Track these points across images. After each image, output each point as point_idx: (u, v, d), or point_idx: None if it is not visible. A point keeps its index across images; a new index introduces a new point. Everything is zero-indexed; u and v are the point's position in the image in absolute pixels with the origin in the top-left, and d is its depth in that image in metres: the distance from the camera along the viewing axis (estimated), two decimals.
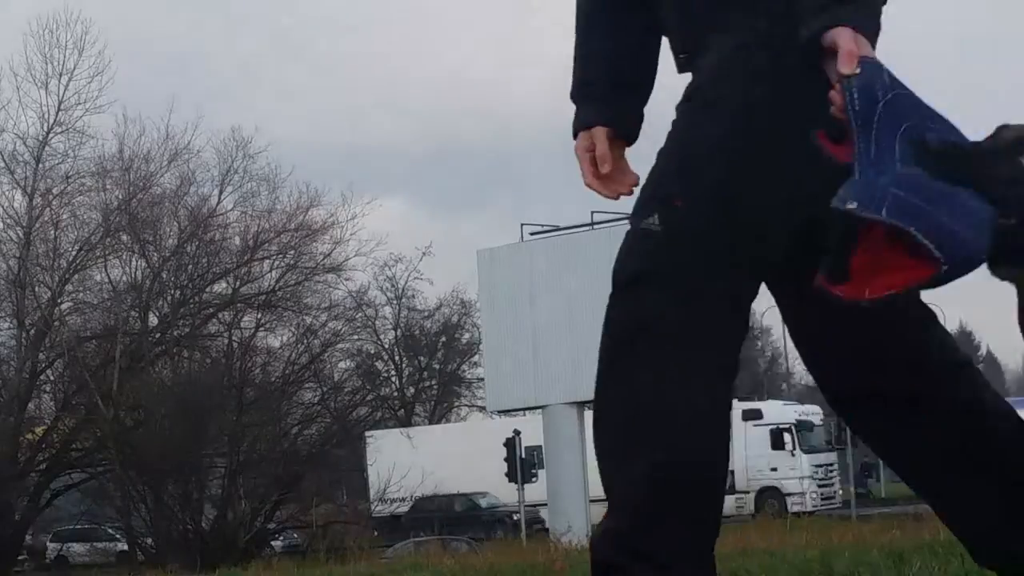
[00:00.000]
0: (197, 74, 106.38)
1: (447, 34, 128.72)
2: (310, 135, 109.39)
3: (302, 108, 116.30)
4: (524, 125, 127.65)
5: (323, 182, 73.75)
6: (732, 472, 54.17)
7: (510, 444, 42.45)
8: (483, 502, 55.16)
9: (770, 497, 54.10)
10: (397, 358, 70.34)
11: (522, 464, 42.09)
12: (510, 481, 42.65)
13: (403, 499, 51.31)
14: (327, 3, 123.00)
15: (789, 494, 53.96)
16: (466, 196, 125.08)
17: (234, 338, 49.71)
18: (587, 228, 38.60)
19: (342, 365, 55.85)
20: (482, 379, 58.07)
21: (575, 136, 3.71)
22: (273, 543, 49.29)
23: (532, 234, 39.48)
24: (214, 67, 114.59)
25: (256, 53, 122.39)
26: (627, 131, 3.73)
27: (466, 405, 71.80)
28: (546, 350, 38.23)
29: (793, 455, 54.64)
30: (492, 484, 47.39)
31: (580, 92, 3.76)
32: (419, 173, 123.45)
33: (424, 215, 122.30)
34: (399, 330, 69.81)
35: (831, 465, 55.65)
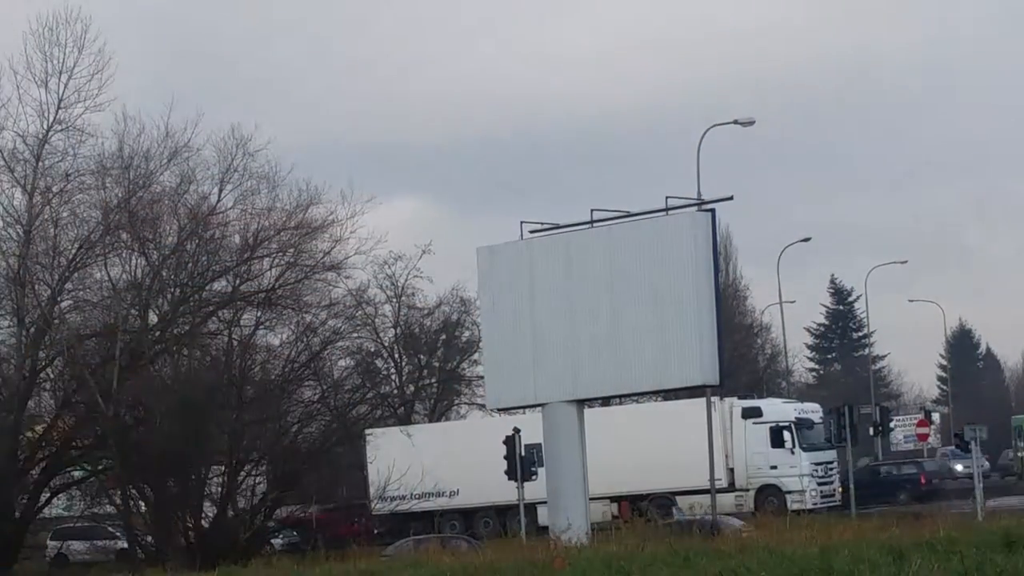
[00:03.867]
0: (211, 71, 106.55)
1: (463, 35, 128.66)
2: (321, 134, 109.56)
3: (315, 107, 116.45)
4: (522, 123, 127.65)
5: (342, 180, 73.79)
6: (732, 470, 54.23)
7: (510, 442, 42.46)
8: None
9: (770, 495, 54.11)
10: (397, 356, 70.33)
11: (522, 462, 42.10)
12: (510, 479, 42.66)
13: (402, 497, 51.32)
14: (344, 2, 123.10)
15: (789, 492, 53.96)
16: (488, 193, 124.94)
17: (234, 336, 49.70)
18: (587, 226, 38.60)
19: (342, 363, 55.86)
20: (482, 377, 58.06)
21: None
22: (273, 540, 49.31)
23: (532, 232, 39.45)
24: (225, 63, 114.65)
25: (273, 51, 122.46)
26: None
27: (466, 403, 71.83)
28: (545, 348, 38.22)
29: (793, 453, 54.65)
30: (492, 482, 47.37)
31: None
32: (433, 170, 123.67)
33: (442, 212, 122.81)
34: (399, 328, 69.80)
35: (831, 463, 55.65)
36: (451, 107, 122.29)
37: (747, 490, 54.41)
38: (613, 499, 53.47)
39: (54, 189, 49.01)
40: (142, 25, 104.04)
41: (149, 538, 46.65)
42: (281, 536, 50.35)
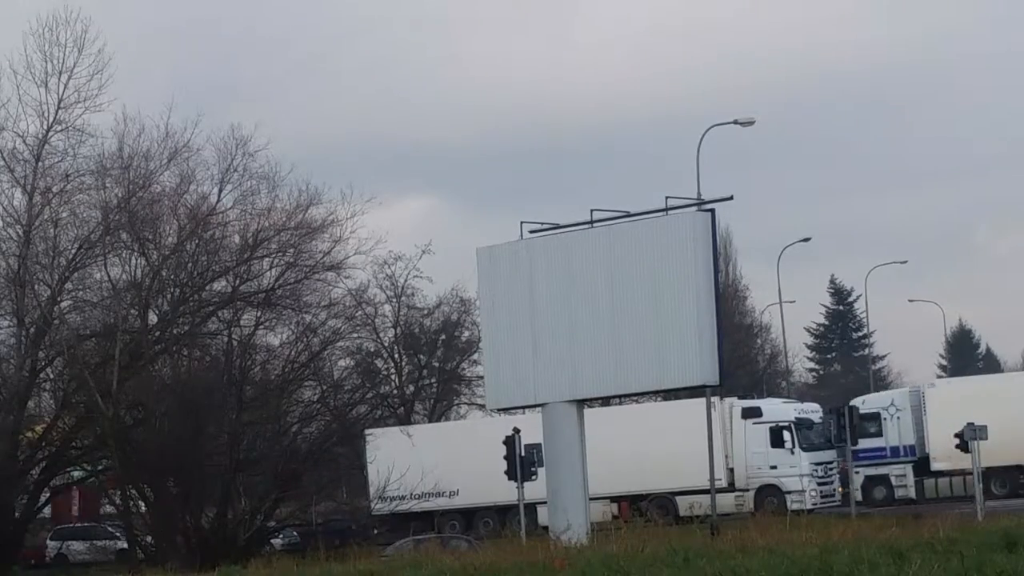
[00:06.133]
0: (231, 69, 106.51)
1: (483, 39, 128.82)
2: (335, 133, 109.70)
3: (325, 108, 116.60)
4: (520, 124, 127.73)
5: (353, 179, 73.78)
6: (731, 470, 54.21)
7: (510, 442, 42.44)
8: None
9: (769, 495, 54.10)
10: (397, 356, 70.34)
11: (522, 462, 42.06)
12: (510, 479, 42.64)
13: (402, 497, 51.33)
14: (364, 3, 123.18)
15: (789, 492, 53.95)
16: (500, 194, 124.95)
17: (234, 336, 49.71)
18: (586, 226, 38.60)
19: (342, 363, 55.91)
20: (481, 377, 58.07)
21: None
22: (273, 541, 49.31)
23: (532, 232, 39.44)
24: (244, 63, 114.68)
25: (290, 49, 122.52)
26: None
27: (466, 403, 71.86)
28: (545, 348, 38.22)
29: (792, 453, 54.64)
30: (492, 482, 47.36)
31: None
32: (444, 170, 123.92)
33: (453, 212, 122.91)
34: (399, 328, 69.81)
35: (831, 463, 55.65)
36: (454, 108, 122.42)
37: (747, 490, 54.40)
38: (613, 499, 53.48)
39: (54, 189, 49.05)
40: (143, 24, 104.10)
41: (149, 538, 46.66)
42: (282, 536, 50.36)
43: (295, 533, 50.93)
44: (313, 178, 57.19)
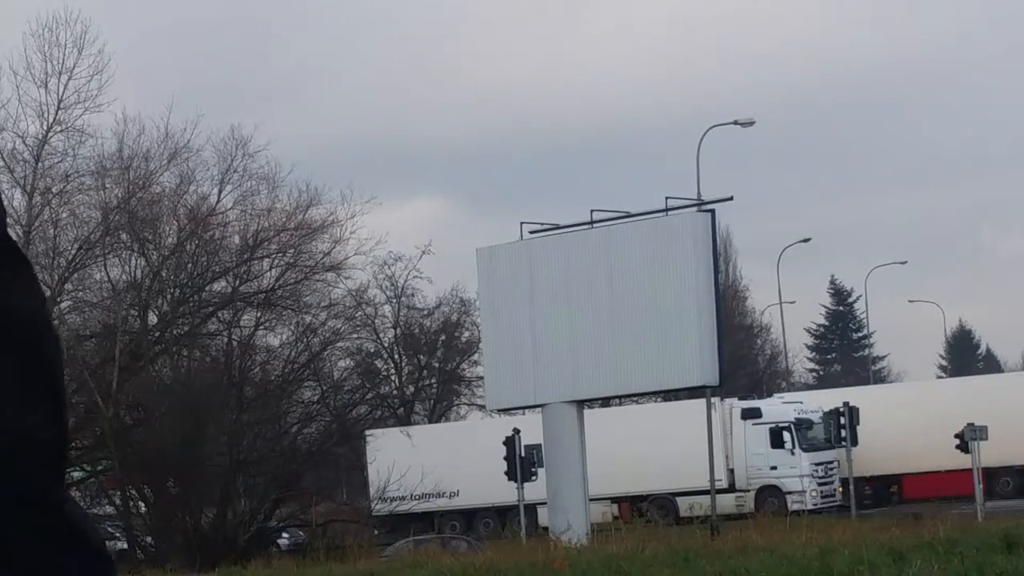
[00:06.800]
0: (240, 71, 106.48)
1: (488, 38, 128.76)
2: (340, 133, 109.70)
3: (331, 107, 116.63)
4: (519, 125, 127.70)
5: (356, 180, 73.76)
6: (732, 471, 54.20)
7: (510, 443, 42.45)
8: None
9: (770, 495, 54.10)
10: (397, 356, 70.31)
11: (522, 463, 42.07)
12: (510, 480, 42.65)
13: (402, 497, 51.33)
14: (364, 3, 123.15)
15: (789, 492, 53.95)
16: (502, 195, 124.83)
17: (234, 337, 49.75)
18: (586, 227, 38.60)
19: (342, 364, 55.91)
20: (481, 378, 58.06)
21: None
22: (278, 541, 49.32)
23: (532, 232, 39.45)
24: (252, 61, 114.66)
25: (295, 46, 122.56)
26: None
27: (466, 404, 71.85)
28: (545, 349, 38.22)
29: (793, 453, 54.64)
30: (492, 482, 47.37)
31: None
32: (449, 171, 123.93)
33: (457, 212, 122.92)
34: (399, 328, 69.80)
35: (831, 463, 55.63)
36: (455, 108, 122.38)
37: (747, 491, 54.41)
38: (613, 500, 53.48)
39: (54, 190, 49.06)
40: (143, 25, 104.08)
41: (149, 539, 46.68)
42: (287, 536, 50.37)
43: (300, 533, 50.98)
44: (313, 179, 57.21)
